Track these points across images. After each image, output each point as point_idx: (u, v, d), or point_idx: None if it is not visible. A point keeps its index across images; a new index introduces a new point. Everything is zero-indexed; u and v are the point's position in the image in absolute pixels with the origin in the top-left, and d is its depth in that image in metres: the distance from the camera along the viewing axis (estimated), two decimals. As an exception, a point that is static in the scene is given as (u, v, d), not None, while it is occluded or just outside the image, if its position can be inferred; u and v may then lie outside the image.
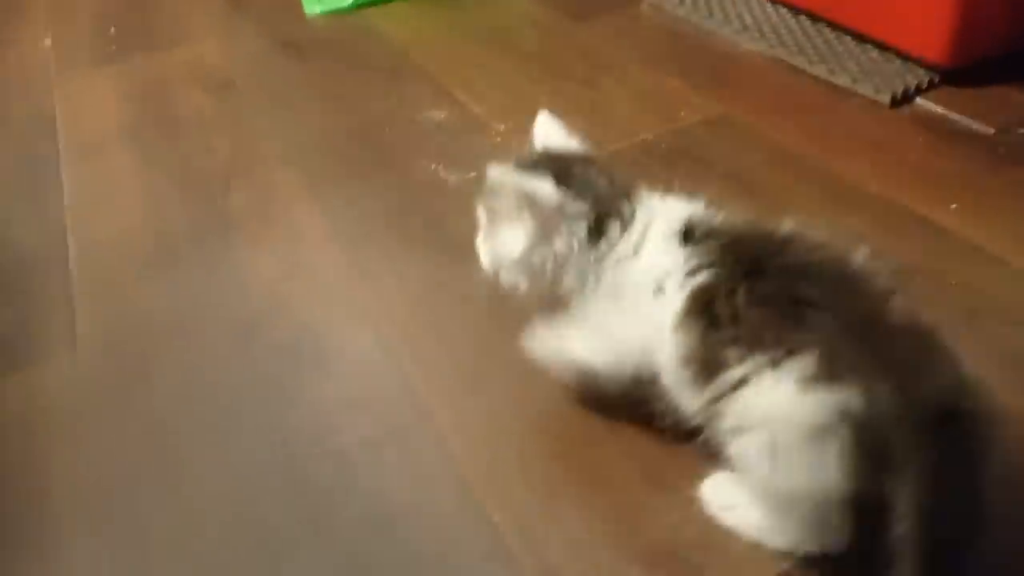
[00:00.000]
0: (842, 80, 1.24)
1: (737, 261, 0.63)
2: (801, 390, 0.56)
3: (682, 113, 1.24)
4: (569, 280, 0.70)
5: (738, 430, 0.61)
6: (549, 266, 0.69)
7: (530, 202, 0.67)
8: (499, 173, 0.67)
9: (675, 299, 0.64)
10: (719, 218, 0.68)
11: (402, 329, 0.92)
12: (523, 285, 0.71)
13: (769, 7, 1.47)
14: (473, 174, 1.16)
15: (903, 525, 0.54)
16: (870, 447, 0.55)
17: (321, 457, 0.78)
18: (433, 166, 1.18)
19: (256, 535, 0.72)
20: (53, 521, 0.75)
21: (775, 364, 0.58)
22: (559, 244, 0.68)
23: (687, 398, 0.65)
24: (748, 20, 1.43)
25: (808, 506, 0.61)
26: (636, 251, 0.68)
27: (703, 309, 0.62)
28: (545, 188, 0.67)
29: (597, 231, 0.68)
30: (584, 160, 0.72)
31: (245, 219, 1.13)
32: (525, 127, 1.25)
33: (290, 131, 1.32)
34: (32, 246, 1.13)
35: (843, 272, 0.61)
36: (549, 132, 0.76)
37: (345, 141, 1.28)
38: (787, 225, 0.64)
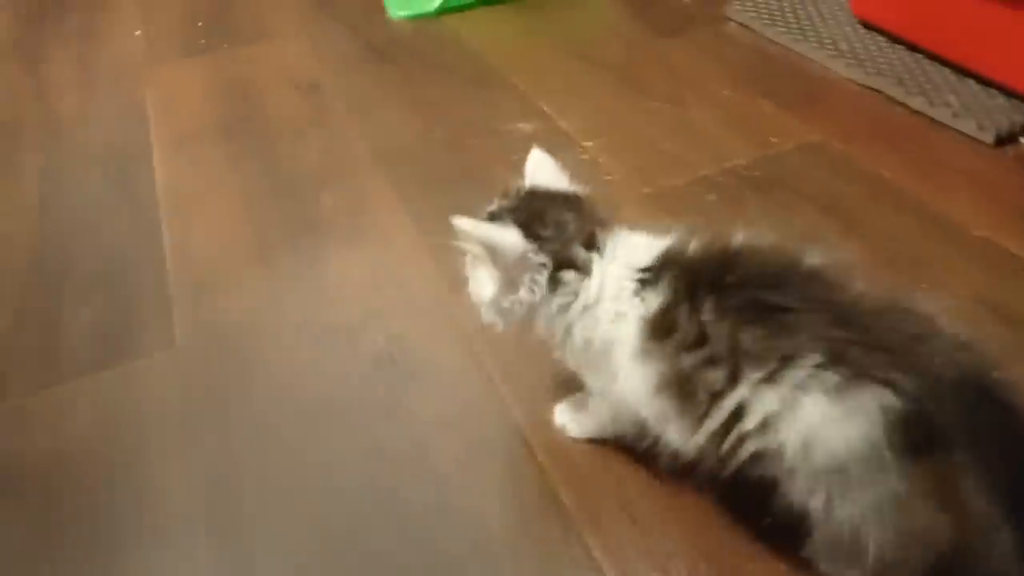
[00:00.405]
0: (941, 114, 1.21)
1: (693, 283, 0.62)
2: (833, 403, 0.55)
3: (774, 139, 1.22)
4: (540, 328, 0.71)
5: (789, 478, 0.59)
6: (519, 311, 0.70)
7: (493, 252, 0.67)
8: (465, 224, 0.67)
9: (633, 333, 0.64)
10: (676, 250, 0.67)
11: (492, 344, 0.92)
12: (499, 325, 0.72)
13: (864, 33, 1.45)
14: (562, 191, 1.17)
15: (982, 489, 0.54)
16: (922, 435, 0.54)
17: (417, 476, 0.79)
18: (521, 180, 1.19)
19: (356, 549, 0.73)
20: (154, 515, 0.77)
21: (773, 379, 0.57)
22: (523, 292, 0.68)
23: (677, 431, 0.64)
24: (843, 45, 1.41)
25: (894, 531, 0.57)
26: (598, 300, 0.68)
27: (666, 333, 0.62)
28: (509, 238, 0.67)
29: (555, 281, 0.68)
30: (565, 201, 0.71)
31: (336, 223, 1.14)
32: (612, 147, 1.27)
33: (378, 136, 1.34)
34: (127, 239, 1.16)
35: (802, 272, 0.60)
36: (539, 170, 0.75)
37: (433, 148, 1.29)
38: (737, 239, 0.64)
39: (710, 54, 1.49)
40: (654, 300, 0.64)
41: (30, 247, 1.16)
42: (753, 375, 0.57)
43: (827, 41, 1.43)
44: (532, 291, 0.68)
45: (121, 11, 1.90)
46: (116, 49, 1.71)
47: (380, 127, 1.37)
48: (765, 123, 1.27)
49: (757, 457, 0.59)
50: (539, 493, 0.76)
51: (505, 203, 0.71)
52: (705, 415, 0.60)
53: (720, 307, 0.60)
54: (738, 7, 1.59)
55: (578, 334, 0.69)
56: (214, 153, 1.33)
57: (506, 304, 0.69)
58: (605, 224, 0.70)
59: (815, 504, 0.58)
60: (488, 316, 0.72)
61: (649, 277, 0.66)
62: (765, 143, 1.22)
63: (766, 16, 1.54)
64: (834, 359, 0.55)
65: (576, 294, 0.68)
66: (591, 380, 0.72)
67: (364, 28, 1.71)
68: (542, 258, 0.67)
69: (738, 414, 0.59)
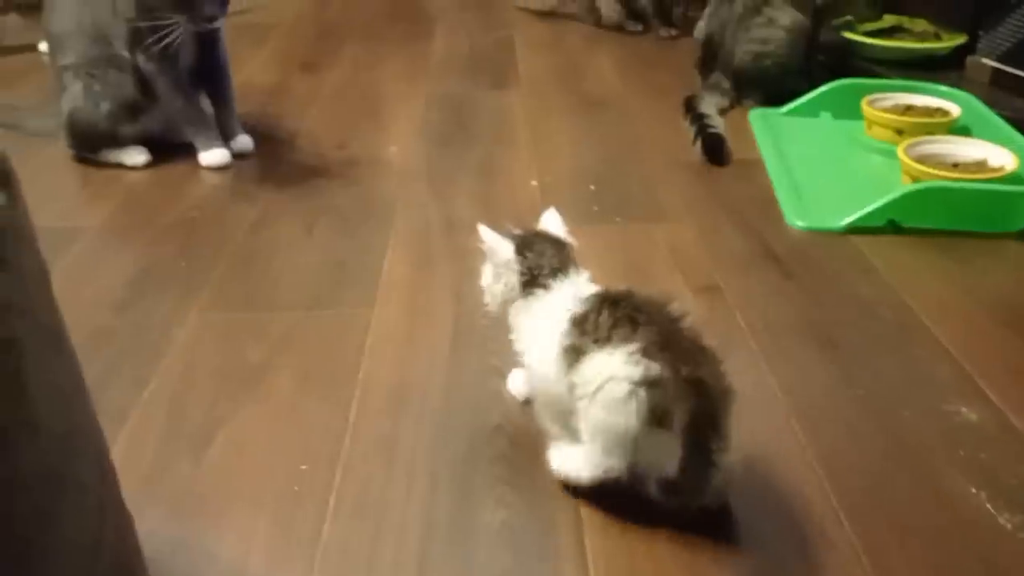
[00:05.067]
0: None
1: (603, 300, 0.99)
2: (627, 360, 0.92)
3: None
4: (513, 314, 1.07)
5: (585, 390, 0.95)
6: (500, 297, 1.07)
7: (492, 253, 1.06)
8: (483, 231, 1.07)
9: (563, 325, 0.99)
10: (603, 292, 1.03)
11: None
12: (491, 306, 1.09)
13: None
14: (1027, 520, 0.99)
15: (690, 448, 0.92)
16: (658, 402, 0.91)
17: None
18: (974, 490, 1.02)
19: None
20: None
21: (612, 351, 0.93)
22: (503, 285, 1.06)
23: (559, 383, 0.98)
24: None
25: (616, 438, 0.93)
26: (548, 306, 1.03)
27: (580, 324, 0.98)
28: (504, 247, 1.06)
29: (526, 286, 1.05)
30: (554, 243, 1.08)
31: (750, 481, 1.04)
32: None
33: (788, 372, 1.23)
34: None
35: (660, 309, 0.98)
36: (550, 222, 1.13)
37: (856, 409, 1.16)
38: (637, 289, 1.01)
39: None
40: (584, 305, 0.99)
41: (441, 399, 1.20)
42: (608, 348, 0.94)
43: None
44: (506, 286, 1.06)
45: (518, 151, 2.01)
46: (515, 195, 1.80)
47: (789, 361, 1.27)
48: None
49: (579, 395, 0.96)
50: None
51: (518, 232, 1.09)
52: (572, 370, 0.96)
53: (611, 314, 0.96)
54: None
55: (526, 322, 1.05)
56: (614, 344, 1.31)
57: (496, 289, 1.07)
58: (573, 265, 1.07)
59: (593, 412, 0.95)
60: (485, 298, 1.10)
61: (586, 294, 1.02)
62: None
63: None
64: (645, 347, 0.92)
65: (536, 301, 1.04)
66: (526, 357, 1.07)
67: (759, 228, 1.65)
68: (519, 267, 1.05)
69: (585, 367, 0.95)
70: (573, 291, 1.03)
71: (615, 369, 0.92)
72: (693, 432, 0.91)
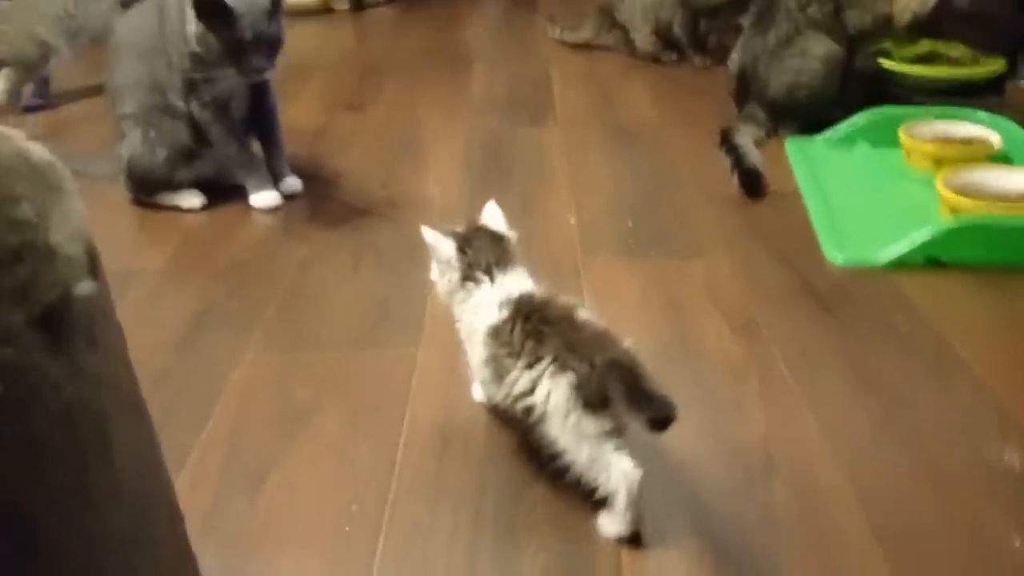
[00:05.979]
0: None
1: (518, 312, 1.08)
2: (551, 381, 1.03)
3: None
4: (455, 307, 1.17)
5: (539, 416, 1.05)
6: (444, 290, 1.17)
7: (435, 252, 1.16)
8: (426, 232, 1.16)
9: (483, 330, 1.11)
10: (529, 293, 1.13)
11: None
12: (440, 298, 1.19)
13: None
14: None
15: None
16: (589, 393, 1.00)
17: None
18: (1018, 543, 1.01)
19: None
20: None
21: (529, 367, 1.05)
22: (447, 280, 1.16)
23: (492, 390, 1.14)
24: None
25: (590, 443, 1.02)
26: (477, 302, 1.13)
27: (496, 336, 1.09)
28: (445, 247, 1.15)
29: (462, 283, 1.14)
30: (494, 237, 1.18)
31: (790, 522, 1.06)
32: None
33: (828, 412, 1.24)
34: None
35: (566, 317, 1.08)
36: (491, 216, 1.22)
37: (897, 453, 1.17)
38: (552, 294, 1.14)
39: None
40: (502, 314, 1.09)
41: (485, 440, 1.23)
42: (521, 363, 1.05)
43: None
44: (448, 282, 1.16)
45: (556, 188, 2.05)
46: (553, 234, 1.83)
47: (829, 400, 1.27)
48: None
49: (526, 411, 1.06)
50: None
51: (459, 230, 1.19)
52: (501, 382, 1.08)
53: (523, 329, 1.06)
54: None
55: (462, 316, 1.16)
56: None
57: (441, 284, 1.17)
58: (510, 260, 1.16)
59: (553, 436, 1.05)
60: (435, 290, 1.20)
61: (507, 299, 1.11)
62: None
63: None
64: (555, 359, 1.03)
65: (470, 295, 1.14)
66: (468, 349, 1.17)
67: (798, 264, 1.66)
68: (459, 265, 1.15)
69: (513, 384, 1.06)
70: (502, 290, 1.12)
71: (545, 392, 1.03)
72: (631, 400, 1.01)
